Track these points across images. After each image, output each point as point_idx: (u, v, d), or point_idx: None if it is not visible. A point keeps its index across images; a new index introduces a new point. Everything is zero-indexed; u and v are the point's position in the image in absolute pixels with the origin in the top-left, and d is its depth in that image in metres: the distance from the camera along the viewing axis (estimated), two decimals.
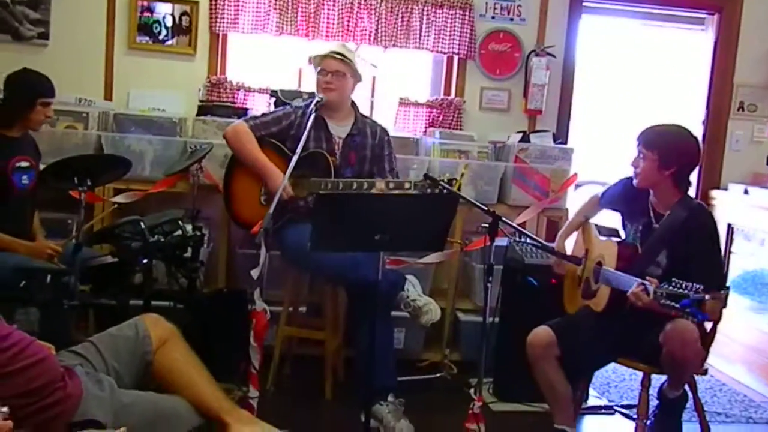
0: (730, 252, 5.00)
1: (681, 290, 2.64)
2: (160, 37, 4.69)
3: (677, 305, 2.63)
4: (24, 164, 3.55)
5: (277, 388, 3.87)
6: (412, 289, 3.67)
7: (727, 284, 3.28)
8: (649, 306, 2.79)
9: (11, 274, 3.22)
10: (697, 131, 5.32)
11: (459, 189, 3.30)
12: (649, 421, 3.18)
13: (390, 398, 3.46)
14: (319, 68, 3.80)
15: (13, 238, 3.46)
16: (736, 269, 4.95)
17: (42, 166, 3.63)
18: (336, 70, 3.77)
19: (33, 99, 3.49)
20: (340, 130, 3.86)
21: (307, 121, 3.58)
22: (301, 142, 3.44)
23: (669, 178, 3.07)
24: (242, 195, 3.87)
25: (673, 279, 2.71)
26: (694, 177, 5.15)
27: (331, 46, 3.90)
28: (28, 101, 3.49)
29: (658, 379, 3.22)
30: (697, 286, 2.63)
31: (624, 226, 3.33)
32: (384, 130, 4.00)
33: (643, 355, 3.09)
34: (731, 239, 5.01)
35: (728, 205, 5.12)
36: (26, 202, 3.63)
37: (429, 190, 3.34)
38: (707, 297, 2.60)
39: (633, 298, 2.85)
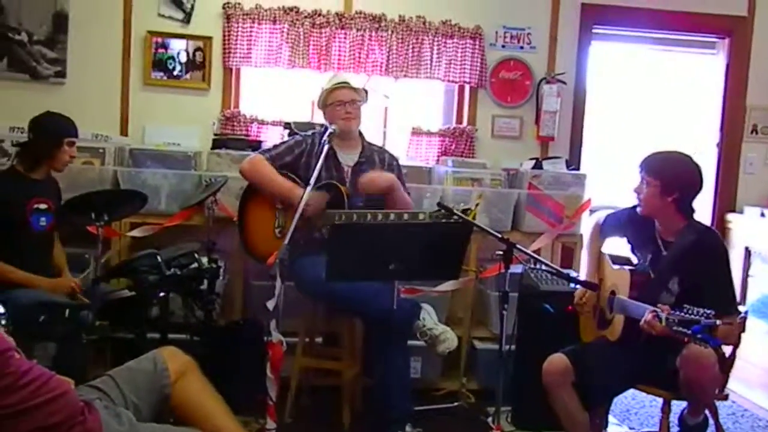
0: (748, 275, 4.96)
1: (692, 316, 2.63)
2: (175, 73, 4.76)
3: (689, 331, 2.62)
4: (42, 206, 3.61)
5: (295, 420, 3.86)
6: (428, 317, 3.66)
7: (746, 308, 3.25)
8: (662, 333, 2.78)
9: (30, 309, 3.25)
10: (711, 155, 5.34)
11: (474, 218, 3.31)
12: None
13: (408, 428, 3.45)
14: (332, 101, 3.83)
15: (36, 276, 3.51)
16: (754, 293, 4.90)
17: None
18: (352, 99, 3.82)
19: (60, 139, 3.57)
20: (348, 158, 3.89)
21: (320, 152, 3.60)
22: (315, 171, 3.44)
23: (672, 204, 3.08)
24: (256, 228, 3.90)
25: (685, 305, 2.71)
26: (708, 202, 5.23)
27: (333, 79, 3.94)
28: (55, 141, 3.57)
29: (678, 405, 3.19)
30: (709, 311, 2.63)
31: (634, 254, 3.32)
32: (392, 156, 4.04)
33: (661, 381, 3.06)
34: (749, 262, 4.97)
35: (745, 229, 5.10)
36: (43, 243, 3.67)
37: (443, 219, 3.35)
38: (718, 322, 2.60)
39: (646, 327, 2.84)
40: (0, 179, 3.60)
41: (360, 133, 3.98)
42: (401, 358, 3.55)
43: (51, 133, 3.59)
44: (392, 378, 3.41)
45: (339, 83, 3.86)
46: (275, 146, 3.96)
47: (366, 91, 3.95)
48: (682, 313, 2.67)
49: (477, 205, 3.56)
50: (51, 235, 3.71)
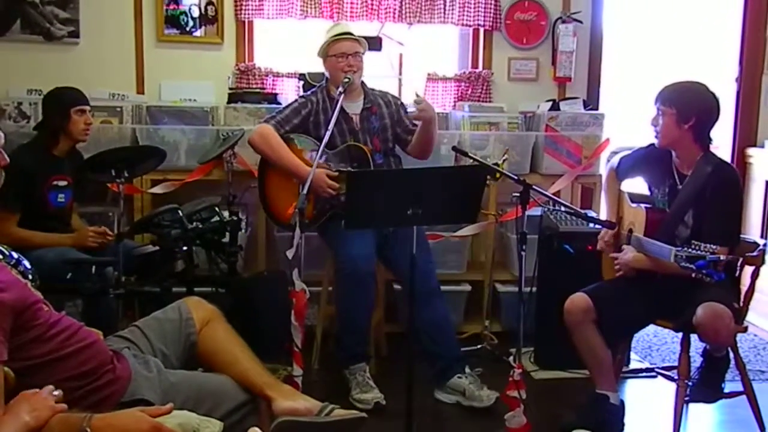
0: None
1: (699, 252, 2.65)
2: (188, 28, 4.74)
3: (694, 267, 2.64)
4: (62, 183, 3.65)
5: (321, 366, 3.94)
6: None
7: (765, 242, 3.24)
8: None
9: (56, 267, 3.33)
10: (731, 89, 5.26)
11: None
12: (691, 382, 3.18)
13: (467, 369, 3.59)
14: (334, 53, 3.77)
15: (57, 234, 3.57)
16: None
17: None
18: (355, 51, 3.79)
19: (66, 110, 3.59)
20: (353, 107, 3.86)
21: (335, 107, 3.56)
22: (329, 130, 3.44)
23: (689, 132, 3.06)
24: (279, 196, 3.86)
25: (693, 242, 2.73)
26: (728, 137, 5.17)
27: (335, 29, 3.88)
28: (62, 113, 3.59)
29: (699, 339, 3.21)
30: (714, 247, 2.65)
31: (651, 192, 3.31)
32: (395, 96, 4.05)
33: (679, 321, 3.08)
34: None
35: (765, 163, 5.04)
36: (61, 220, 3.72)
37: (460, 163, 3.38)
38: (722, 257, 2.62)
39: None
40: (23, 152, 3.61)
41: (362, 82, 3.96)
42: (439, 305, 3.64)
43: (57, 106, 3.61)
44: (435, 326, 3.55)
45: (340, 34, 3.80)
46: (280, 111, 3.88)
47: (367, 40, 3.90)
48: (690, 249, 2.69)
49: (504, 160, 3.57)
50: (69, 213, 3.77)
